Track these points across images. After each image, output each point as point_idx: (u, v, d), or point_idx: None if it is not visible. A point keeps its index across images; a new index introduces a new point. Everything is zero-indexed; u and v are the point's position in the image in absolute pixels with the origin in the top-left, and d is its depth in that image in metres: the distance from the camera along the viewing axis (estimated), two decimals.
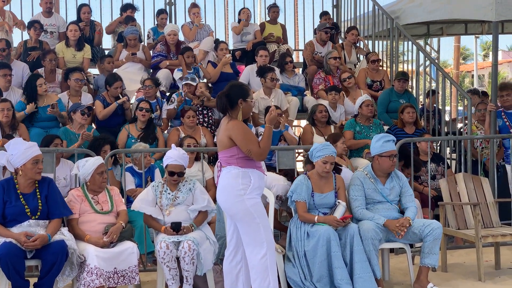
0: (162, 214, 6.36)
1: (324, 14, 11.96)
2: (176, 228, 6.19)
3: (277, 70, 9.92)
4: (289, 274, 6.33)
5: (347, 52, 11.08)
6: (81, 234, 6.05)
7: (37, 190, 5.99)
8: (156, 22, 11.61)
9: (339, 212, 6.43)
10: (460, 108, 10.64)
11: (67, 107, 8.78)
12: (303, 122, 12.22)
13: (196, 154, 8.01)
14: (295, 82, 10.45)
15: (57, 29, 10.83)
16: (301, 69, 11.51)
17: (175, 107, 9.11)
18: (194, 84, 9.29)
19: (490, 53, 9.27)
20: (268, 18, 11.92)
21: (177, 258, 6.08)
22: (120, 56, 10.32)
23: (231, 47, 11.48)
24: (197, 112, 8.98)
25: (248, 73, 10.20)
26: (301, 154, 10.15)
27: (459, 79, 34.29)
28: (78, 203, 6.18)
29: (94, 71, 10.90)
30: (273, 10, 11.76)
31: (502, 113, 8.74)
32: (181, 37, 10.99)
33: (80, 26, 10.30)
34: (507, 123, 8.61)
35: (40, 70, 9.48)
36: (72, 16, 11.49)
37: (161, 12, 11.53)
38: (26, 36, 10.61)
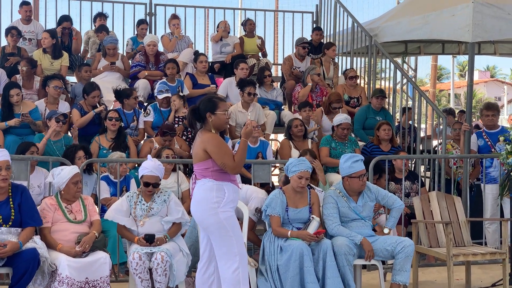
0: (136, 224, 6.35)
1: (316, 29, 12.05)
2: (150, 239, 6.18)
3: (256, 84, 9.94)
4: None
5: (325, 68, 11.15)
6: (53, 243, 6.02)
7: (10, 198, 5.95)
8: (135, 32, 11.61)
9: (312, 227, 6.46)
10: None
11: (44, 115, 8.73)
12: (280, 136, 12.27)
13: (173, 166, 8.01)
14: (273, 96, 10.48)
15: (35, 36, 10.79)
16: (279, 83, 11.56)
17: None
18: (169, 95, 9.29)
19: (467, 72, 9.38)
20: (245, 33, 11.95)
21: (150, 269, 6.07)
22: (98, 65, 10.29)
23: (210, 59, 11.50)
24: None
25: (226, 86, 10.22)
26: (278, 167, 10.18)
27: (436, 98, 34.57)
28: (51, 211, 6.15)
29: (72, 79, 10.88)
30: (249, 23, 11.81)
31: (483, 133, 8.84)
32: (161, 48, 10.99)
33: (56, 33, 10.25)
34: (489, 142, 8.71)
35: (18, 77, 9.43)
36: (52, 23, 11.48)
37: (141, 22, 11.54)
38: (4, 42, 10.56)
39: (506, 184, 7.59)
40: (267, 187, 7.55)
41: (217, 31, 11.64)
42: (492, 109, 8.96)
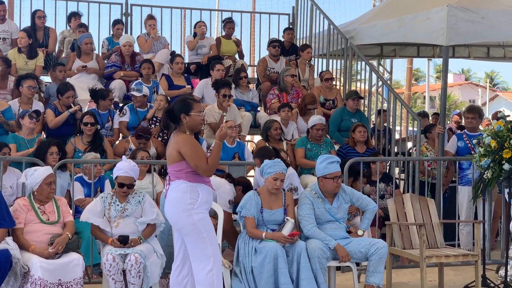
0: (110, 225, 6.32)
1: (287, 29, 12.06)
2: (124, 241, 6.16)
3: (232, 85, 9.94)
4: None
5: (301, 70, 11.18)
6: (26, 244, 5.98)
7: None
8: (111, 32, 11.55)
9: (287, 229, 6.47)
10: (410, 128, 10.82)
11: (17, 115, 8.66)
12: (256, 138, 12.28)
13: (148, 167, 7.99)
14: (249, 98, 10.49)
15: (10, 36, 10.69)
16: (255, 84, 11.57)
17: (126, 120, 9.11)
18: (138, 95, 9.25)
19: (441, 75, 9.46)
20: (224, 33, 11.94)
21: (124, 271, 6.05)
22: (73, 65, 10.23)
23: (186, 60, 11.48)
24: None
25: (202, 87, 10.21)
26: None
27: (411, 101, 34.82)
28: (24, 212, 6.11)
29: (47, 79, 10.80)
30: (229, 26, 11.79)
31: (464, 135, 8.91)
32: (137, 49, 10.95)
33: (31, 33, 10.18)
34: (469, 145, 8.77)
35: None
36: (26, 23, 11.37)
37: (117, 22, 11.48)
38: None
39: (479, 187, 7.66)
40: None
41: (194, 32, 11.60)
42: (474, 112, 9.04)
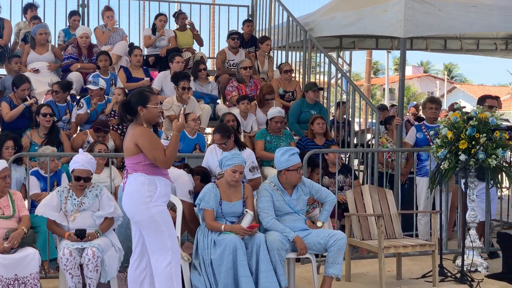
0: (67, 220, 6.24)
1: (246, 21, 12.02)
2: (80, 235, 6.09)
3: (191, 78, 9.89)
4: (195, 283, 6.30)
5: (260, 62, 11.17)
6: None
7: None
8: (68, 24, 11.39)
9: (246, 221, 6.46)
10: (370, 120, 10.88)
11: None
12: None
13: (106, 160, 7.91)
14: (208, 90, 10.45)
15: None
16: (214, 77, 11.52)
17: (88, 111, 8.99)
18: (94, 88, 9.15)
19: (399, 67, 9.54)
20: (177, 26, 11.86)
21: (81, 265, 5.98)
22: (27, 58, 10.06)
23: (145, 52, 11.38)
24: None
25: (161, 79, 10.14)
26: None
27: (370, 93, 35.07)
28: None
29: (1, 71, 10.62)
30: (182, 16, 11.70)
31: (423, 126, 8.97)
32: (94, 40, 10.82)
33: None
34: (428, 136, 8.84)
35: None
36: None
37: (73, 13, 11.32)
38: None
39: (436, 177, 7.74)
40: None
41: (153, 24, 11.49)
42: (436, 102, 9.14)
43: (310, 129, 9.07)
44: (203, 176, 7.12)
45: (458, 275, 7.24)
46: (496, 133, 7.44)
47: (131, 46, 10.84)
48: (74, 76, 9.89)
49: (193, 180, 7.00)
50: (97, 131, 8.45)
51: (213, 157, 7.23)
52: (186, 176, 6.90)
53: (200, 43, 12.00)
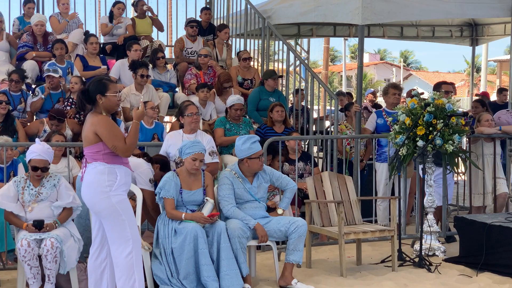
0: (24, 210, 6.15)
1: (204, 9, 11.94)
2: (38, 225, 6.00)
3: (149, 66, 9.81)
4: (156, 272, 6.28)
5: (218, 50, 11.13)
6: None
7: None
8: (22, 12, 11.18)
9: (206, 209, 6.45)
10: (328, 107, 10.94)
11: None
12: (175, 118, 12.16)
13: (64, 150, 7.81)
14: (167, 78, 10.37)
15: None
16: (172, 65, 11.44)
17: (43, 96, 8.86)
18: (56, 75, 9.02)
19: (357, 54, 9.61)
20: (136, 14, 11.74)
21: (39, 256, 5.91)
22: None
23: (101, 40, 11.25)
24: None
25: (118, 68, 10.03)
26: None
27: (328, 80, 35.24)
28: None
29: None
30: (141, 4, 11.58)
31: (383, 112, 9.02)
32: (49, 28, 10.64)
33: None
34: (388, 122, 8.89)
35: None
36: None
37: (28, 1, 11.08)
38: None
39: (395, 163, 7.82)
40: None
41: (111, 11, 11.35)
42: (398, 88, 9.21)
43: (270, 117, 9.07)
44: (162, 164, 7.09)
45: (417, 260, 7.33)
46: (453, 119, 7.54)
47: (87, 34, 10.69)
48: (29, 65, 9.72)
49: (153, 168, 6.96)
50: (52, 119, 8.33)
51: (174, 143, 7.19)
52: (145, 165, 6.86)
53: (160, 28, 11.88)
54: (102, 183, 5.39)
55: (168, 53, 13.23)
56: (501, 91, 12.92)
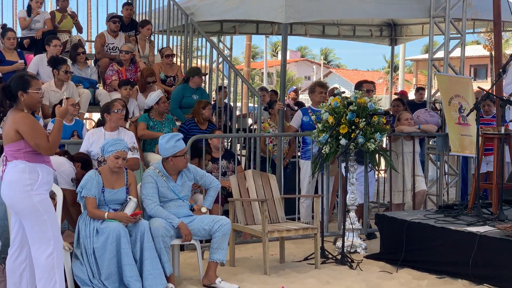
0: None
1: (126, 4, 11.76)
2: None
3: (69, 62, 9.61)
4: (77, 272, 6.16)
5: (141, 46, 10.98)
6: None
7: None
8: None
9: (129, 208, 6.37)
10: (251, 104, 10.96)
11: None
12: (95, 115, 11.97)
13: None
14: (87, 74, 10.17)
15: None
16: (93, 60, 11.24)
17: None
18: None
19: (279, 52, 9.64)
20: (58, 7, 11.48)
21: None
22: None
23: (19, 34, 10.94)
24: None
25: (37, 63, 9.77)
26: None
27: (250, 77, 35.36)
28: None
29: None
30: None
31: (309, 110, 9.07)
32: None
33: None
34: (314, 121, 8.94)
35: None
36: None
37: None
38: None
39: (318, 161, 7.89)
40: None
41: (28, 4, 11.06)
42: (325, 87, 9.31)
43: (200, 114, 8.95)
44: (83, 162, 6.96)
45: (339, 257, 7.43)
46: (375, 117, 7.66)
47: (4, 28, 10.38)
48: None
49: (74, 167, 6.83)
50: None
51: (96, 141, 7.07)
52: (67, 163, 6.73)
53: (80, 30, 11.66)
54: (23, 182, 5.25)
55: (88, 48, 13.00)
56: (418, 90, 13.27)
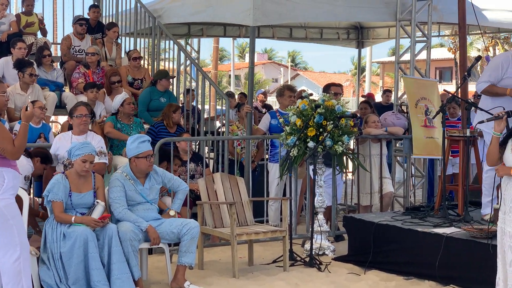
0: None
1: (92, 6, 11.66)
2: None
3: (35, 64, 9.51)
4: (43, 277, 6.11)
5: (107, 49, 10.91)
6: None
7: None
8: None
9: (97, 212, 6.32)
10: (219, 107, 10.96)
11: None
12: (61, 118, 11.86)
13: None
14: (53, 77, 10.07)
15: None
16: (59, 63, 11.14)
17: None
18: None
19: (247, 55, 9.65)
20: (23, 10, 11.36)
21: None
22: None
23: None
24: None
25: (2, 66, 9.66)
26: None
27: (217, 79, 35.35)
28: None
29: None
30: (27, 2, 11.21)
31: (277, 113, 9.08)
32: None
33: None
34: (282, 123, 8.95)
35: None
36: None
37: None
38: None
39: (286, 164, 7.91)
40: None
41: None
42: (294, 91, 9.36)
43: (170, 118, 8.91)
44: (42, 157, 6.90)
45: (307, 259, 7.45)
46: (342, 120, 7.70)
47: None
48: None
49: (33, 162, 6.76)
50: None
51: (63, 145, 7.02)
52: (24, 161, 6.63)
53: (45, 35, 11.55)
54: None
55: (54, 50, 12.89)
56: (385, 92, 13.38)
